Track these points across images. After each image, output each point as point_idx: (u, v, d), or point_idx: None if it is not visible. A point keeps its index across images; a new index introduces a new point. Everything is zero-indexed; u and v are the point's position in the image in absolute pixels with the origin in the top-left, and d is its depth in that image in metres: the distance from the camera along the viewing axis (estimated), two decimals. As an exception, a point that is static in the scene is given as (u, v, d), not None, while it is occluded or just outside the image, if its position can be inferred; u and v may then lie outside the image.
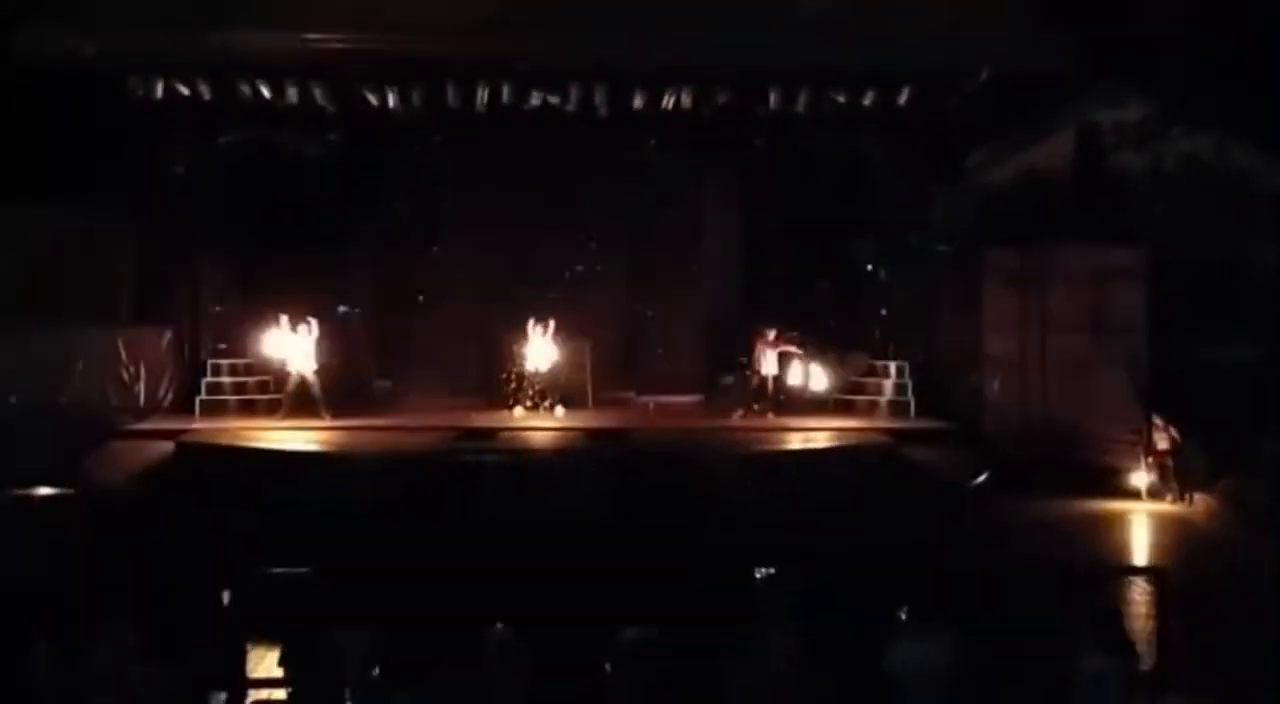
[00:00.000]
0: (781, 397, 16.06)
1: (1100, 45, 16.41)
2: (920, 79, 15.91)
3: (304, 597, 10.41)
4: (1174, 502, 15.19)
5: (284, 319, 15.37)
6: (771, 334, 16.00)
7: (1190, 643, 9.46)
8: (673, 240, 17.56)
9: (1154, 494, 15.33)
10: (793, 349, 16.05)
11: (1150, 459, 15.65)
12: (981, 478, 14.71)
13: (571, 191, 17.19)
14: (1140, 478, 15.49)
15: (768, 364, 15.96)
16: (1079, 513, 15.06)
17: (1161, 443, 15.73)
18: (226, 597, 10.92)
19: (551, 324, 16.19)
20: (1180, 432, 15.70)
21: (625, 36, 15.05)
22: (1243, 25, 17.07)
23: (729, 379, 17.02)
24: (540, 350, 16.13)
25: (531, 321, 16.13)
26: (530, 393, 16.09)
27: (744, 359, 16.37)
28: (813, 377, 16.30)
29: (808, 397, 16.23)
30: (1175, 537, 14.20)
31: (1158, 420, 15.82)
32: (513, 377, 16.16)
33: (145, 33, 14.85)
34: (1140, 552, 13.71)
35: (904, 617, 8.86)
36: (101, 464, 14.04)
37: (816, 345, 16.45)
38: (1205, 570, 12.14)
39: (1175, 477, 15.46)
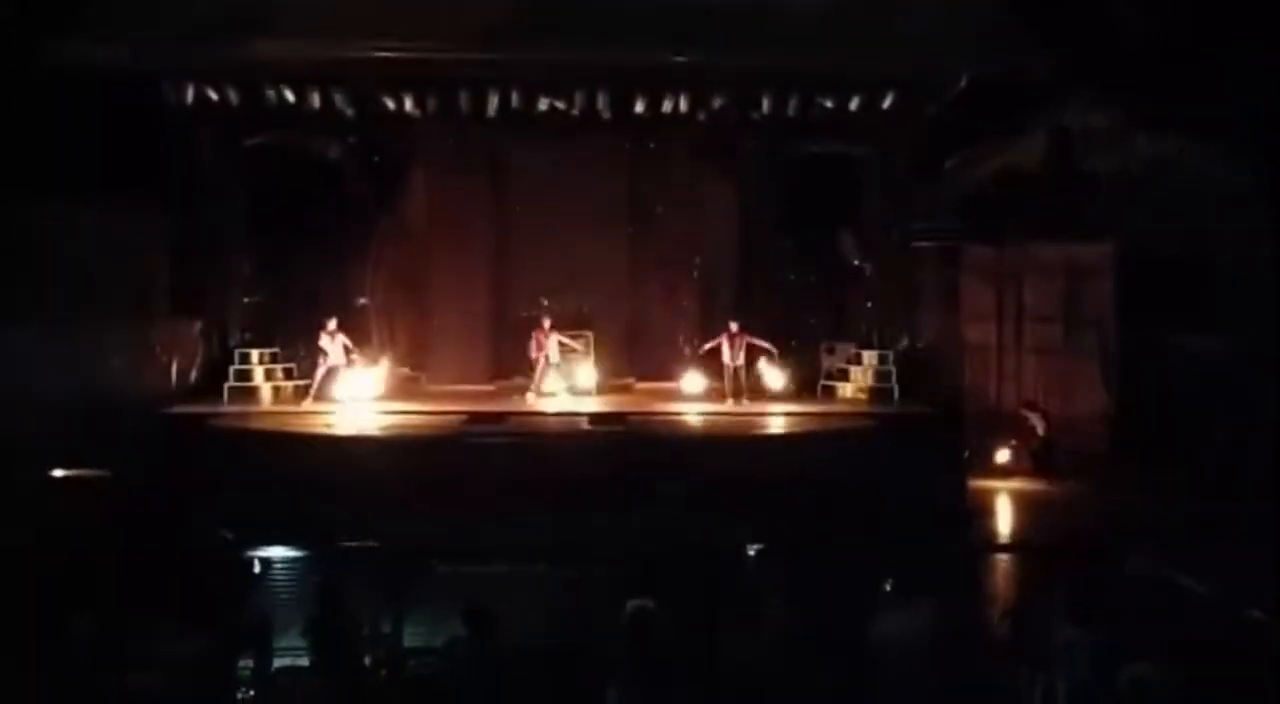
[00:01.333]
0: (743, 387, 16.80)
1: (1071, 54, 17.22)
2: (903, 86, 16.81)
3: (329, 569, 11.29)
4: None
5: (313, 311, 16.32)
6: (734, 327, 16.78)
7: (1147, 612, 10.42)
8: (671, 237, 18.26)
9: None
10: (760, 343, 16.77)
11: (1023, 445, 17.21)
12: (961, 458, 15.76)
13: (576, 191, 17.85)
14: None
15: (732, 356, 16.75)
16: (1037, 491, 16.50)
17: (1039, 430, 17.28)
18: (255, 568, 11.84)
19: (556, 317, 17.16)
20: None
21: (626, 46, 15.94)
22: (1206, 36, 17.85)
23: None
24: (550, 341, 17.05)
25: (541, 314, 17.10)
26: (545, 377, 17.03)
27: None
28: (767, 374, 17.04)
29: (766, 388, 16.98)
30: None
31: (1030, 413, 17.15)
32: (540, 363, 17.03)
33: (175, 41, 15.64)
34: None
35: (888, 589, 9.73)
36: (137, 447, 14.69)
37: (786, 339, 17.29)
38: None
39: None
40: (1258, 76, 16.89)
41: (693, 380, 17.29)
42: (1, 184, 15.50)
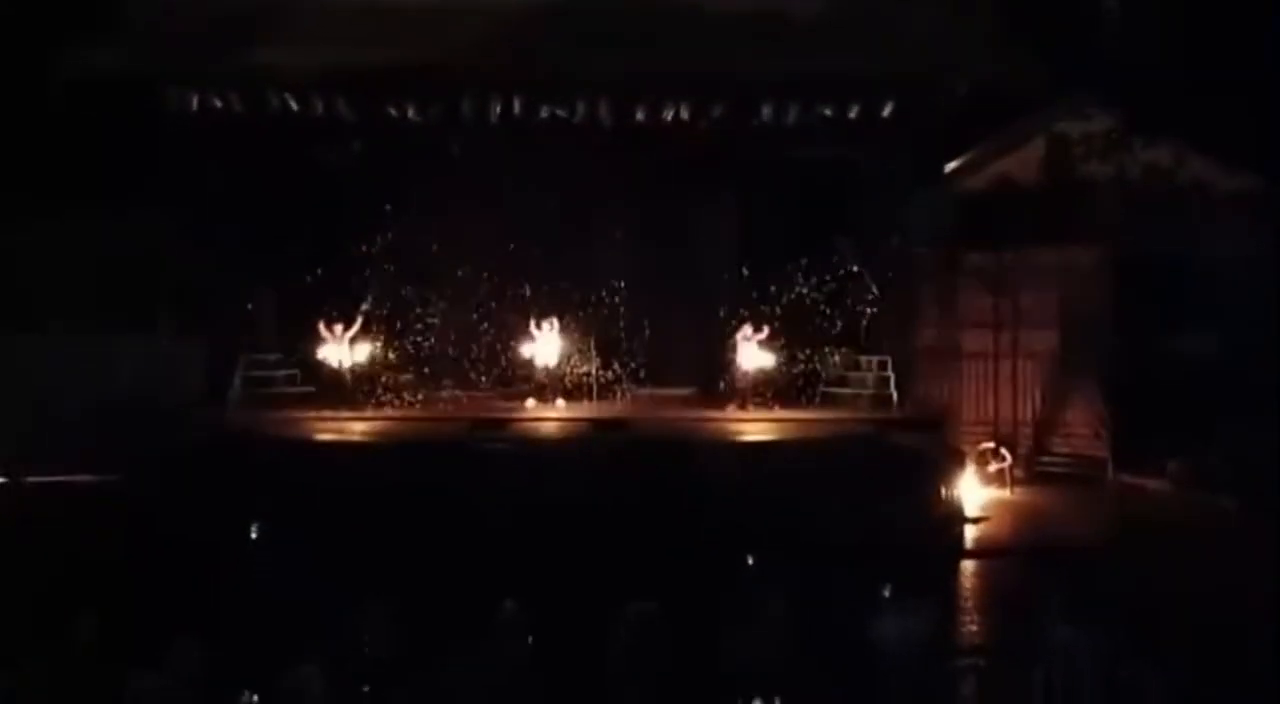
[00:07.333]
0: (761, 391, 17.06)
1: (1068, 60, 17.39)
2: (902, 93, 16.90)
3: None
4: None
5: (314, 318, 16.48)
6: (749, 331, 16.96)
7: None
8: (671, 243, 18.38)
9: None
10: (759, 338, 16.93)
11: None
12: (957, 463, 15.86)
13: (577, 198, 18.01)
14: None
15: (739, 362, 17.00)
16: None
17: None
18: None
19: (558, 322, 17.29)
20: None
21: (627, 54, 16.10)
22: (1200, 42, 18.04)
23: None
24: (548, 347, 17.24)
25: (540, 320, 17.22)
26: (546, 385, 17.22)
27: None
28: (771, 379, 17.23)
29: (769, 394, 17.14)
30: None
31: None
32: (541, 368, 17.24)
33: (180, 48, 15.86)
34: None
35: (887, 593, 9.85)
36: (147, 454, 14.72)
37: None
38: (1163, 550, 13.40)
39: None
40: (1252, 81, 17.07)
41: (696, 385, 17.41)
42: (6, 191, 15.70)
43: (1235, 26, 17.44)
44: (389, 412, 16.60)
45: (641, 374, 18.16)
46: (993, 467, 17.20)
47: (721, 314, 17.60)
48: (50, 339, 16.23)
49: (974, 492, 15.91)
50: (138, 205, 16.53)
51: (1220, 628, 10.08)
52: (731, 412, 16.87)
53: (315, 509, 13.35)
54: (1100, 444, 17.64)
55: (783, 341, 17.26)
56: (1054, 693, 8.45)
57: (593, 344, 17.72)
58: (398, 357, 17.07)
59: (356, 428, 15.75)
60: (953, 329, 18.39)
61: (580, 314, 17.72)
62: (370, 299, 16.94)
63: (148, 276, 16.83)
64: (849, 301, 17.74)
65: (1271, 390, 15.80)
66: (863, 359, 17.70)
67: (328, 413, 16.24)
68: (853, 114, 17.12)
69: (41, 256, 16.52)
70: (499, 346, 17.81)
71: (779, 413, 16.80)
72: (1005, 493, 16.92)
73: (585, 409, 17.11)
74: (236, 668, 8.70)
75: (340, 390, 16.54)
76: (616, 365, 17.93)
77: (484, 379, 17.94)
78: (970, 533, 14.86)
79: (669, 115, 17.17)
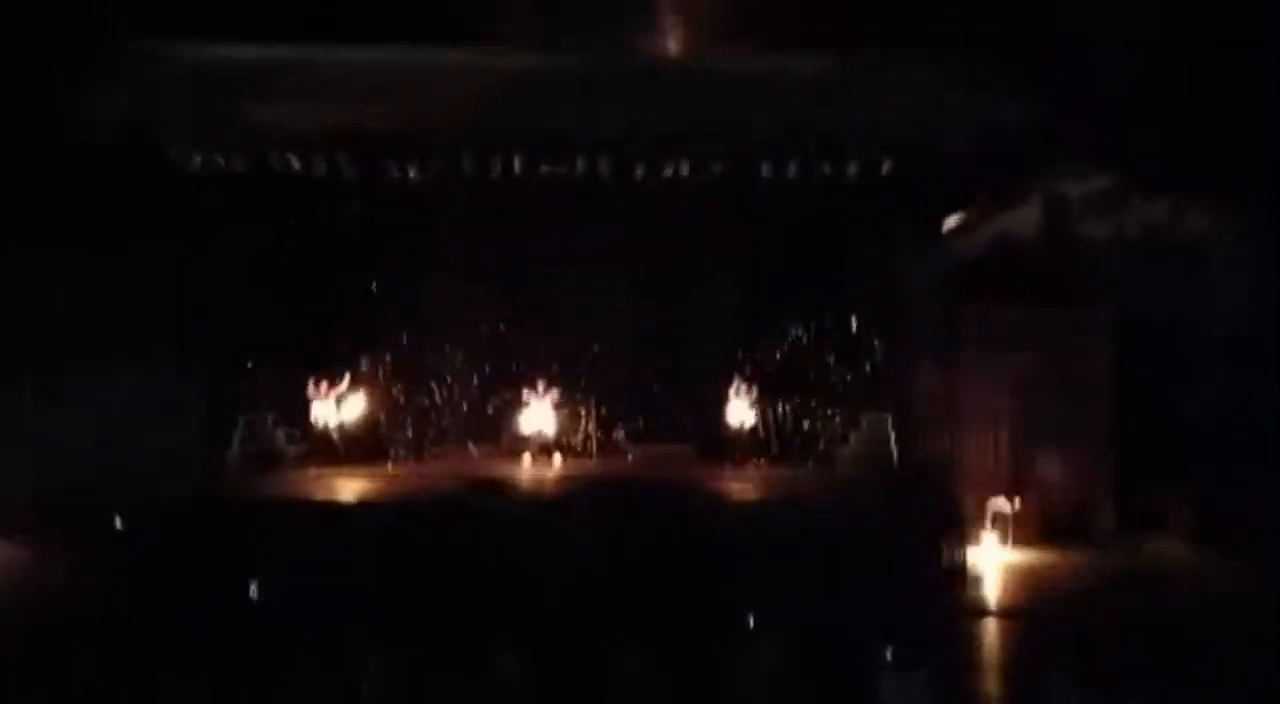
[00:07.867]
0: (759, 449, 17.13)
1: (1066, 120, 17.46)
2: (900, 151, 17.02)
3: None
4: None
5: (313, 377, 16.46)
6: (746, 388, 17.06)
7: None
8: (668, 299, 18.41)
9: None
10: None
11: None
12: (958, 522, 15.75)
13: (577, 255, 18.05)
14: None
15: (736, 418, 17.03)
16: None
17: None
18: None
19: (556, 379, 17.33)
20: None
21: (628, 112, 16.22)
22: (1198, 100, 18.11)
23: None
24: (545, 405, 17.27)
25: (537, 378, 17.28)
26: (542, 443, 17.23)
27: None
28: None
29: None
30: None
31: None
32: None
33: (183, 108, 16.00)
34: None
35: (888, 655, 9.81)
36: (135, 512, 14.71)
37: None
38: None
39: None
40: (1250, 138, 17.12)
41: (695, 442, 17.39)
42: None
43: (1234, 78, 17.53)
44: (388, 470, 16.58)
45: (639, 432, 18.14)
46: (993, 526, 17.05)
47: (720, 371, 17.59)
48: (44, 396, 16.15)
49: (974, 551, 15.77)
50: (134, 260, 16.53)
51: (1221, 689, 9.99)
52: (729, 470, 16.81)
53: (315, 570, 13.32)
54: (1103, 503, 17.49)
55: (781, 399, 17.28)
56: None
57: (591, 401, 17.71)
58: (395, 415, 16.99)
59: (353, 487, 15.68)
60: (952, 388, 18.31)
61: (578, 370, 17.74)
62: (366, 357, 16.94)
63: (145, 334, 16.79)
64: (848, 360, 17.70)
65: (1275, 449, 15.75)
66: (862, 418, 17.65)
67: (327, 472, 16.22)
68: (852, 172, 17.24)
69: (33, 309, 16.52)
70: (496, 404, 17.78)
71: (775, 471, 16.77)
72: (1006, 552, 16.76)
73: (581, 467, 17.11)
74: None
75: (336, 450, 16.54)
76: (615, 422, 17.90)
77: (481, 437, 17.86)
78: (971, 593, 14.71)
79: (668, 172, 17.27)
